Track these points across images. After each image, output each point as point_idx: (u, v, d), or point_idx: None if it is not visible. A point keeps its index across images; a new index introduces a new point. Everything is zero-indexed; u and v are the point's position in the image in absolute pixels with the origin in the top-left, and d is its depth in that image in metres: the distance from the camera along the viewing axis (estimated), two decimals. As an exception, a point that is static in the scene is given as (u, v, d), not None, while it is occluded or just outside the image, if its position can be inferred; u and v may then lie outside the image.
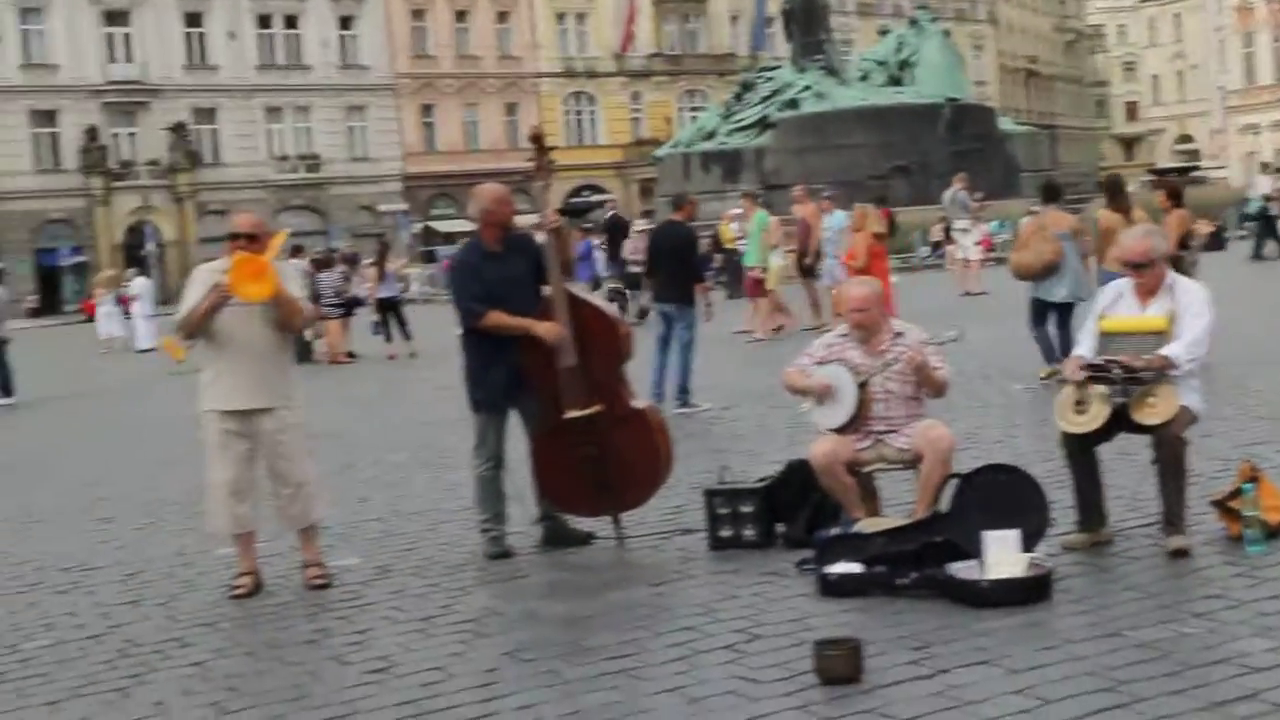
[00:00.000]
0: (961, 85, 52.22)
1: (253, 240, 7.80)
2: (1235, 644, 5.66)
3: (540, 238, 8.44)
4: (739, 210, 25.65)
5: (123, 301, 36.05)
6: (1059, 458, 7.62)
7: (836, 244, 21.39)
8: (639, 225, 29.86)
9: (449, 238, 61.51)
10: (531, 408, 8.38)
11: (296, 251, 26.95)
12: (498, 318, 8.17)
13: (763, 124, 47.19)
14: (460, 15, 73.49)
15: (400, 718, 5.63)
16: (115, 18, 65.06)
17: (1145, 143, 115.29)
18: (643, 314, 22.19)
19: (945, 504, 7.33)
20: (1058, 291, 13.81)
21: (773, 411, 12.85)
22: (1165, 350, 7.07)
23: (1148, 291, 7.35)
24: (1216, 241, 36.10)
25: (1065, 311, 13.81)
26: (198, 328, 7.87)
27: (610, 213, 31.63)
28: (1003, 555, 6.59)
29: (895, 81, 49.99)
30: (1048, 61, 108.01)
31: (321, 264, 26.34)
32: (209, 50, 67.39)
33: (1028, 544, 6.73)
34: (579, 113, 77.40)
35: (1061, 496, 7.52)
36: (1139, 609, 6.23)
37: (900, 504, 8.00)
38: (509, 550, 8.32)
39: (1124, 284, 7.51)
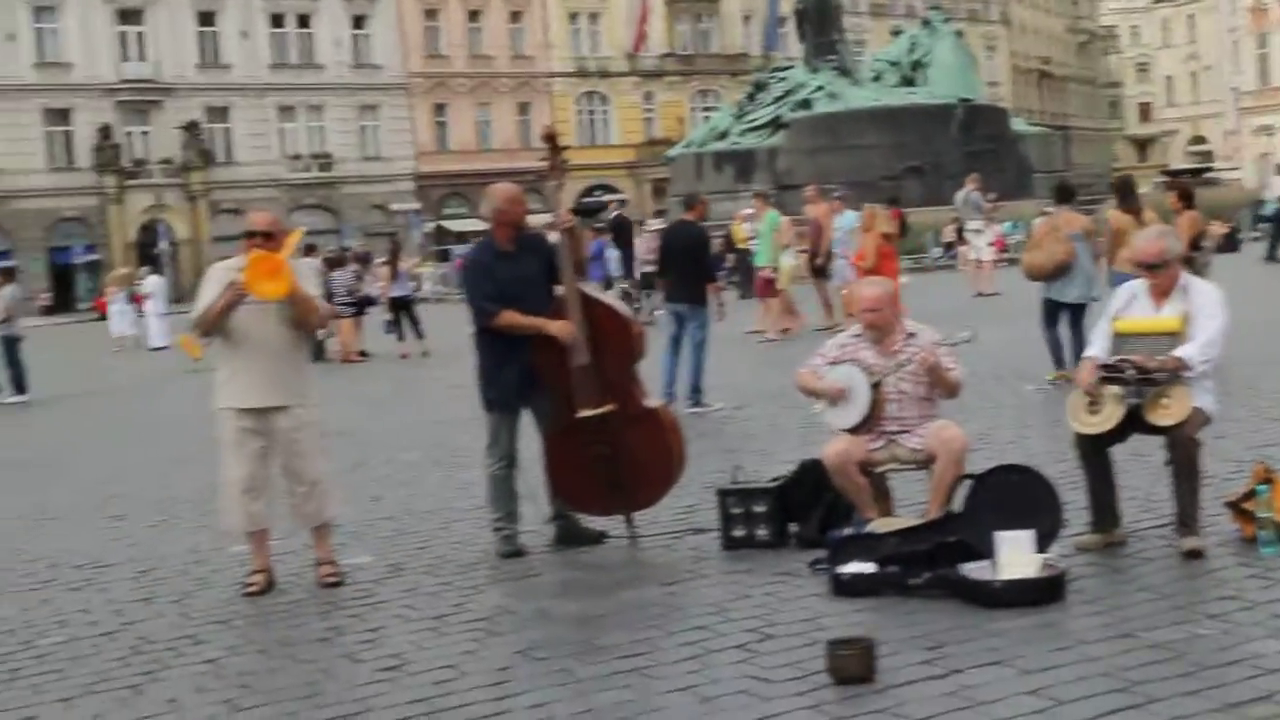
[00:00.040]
0: (974, 86, 52.19)
1: (268, 238, 7.80)
2: (1249, 645, 5.65)
3: (553, 237, 8.44)
4: (751, 210, 25.66)
5: (137, 300, 36.10)
6: (1072, 458, 7.61)
7: (846, 244, 21.38)
8: (652, 225, 29.85)
9: (461, 237, 61.59)
10: (544, 407, 8.38)
11: (309, 250, 26.95)
12: (510, 317, 8.18)
13: (775, 124, 47.20)
14: (473, 15, 73.53)
15: (413, 715, 5.63)
16: (129, 16, 65.17)
17: (1159, 144, 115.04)
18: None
19: (958, 504, 7.33)
20: (1070, 292, 13.80)
21: (785, 411, 12.84)
22: (1179, 351, 7.05)
23: (1161, 293, 7.34)
24: (1230, 243, 36.05)
25: (1078, 312, 13.80)
26: (214, 325, 7.87)
27: (614, 213, 31.63)
28: (1016, 556, 6.58)
29: (908, 82, 49.98)
30: (1061, 62, 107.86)
31: (334, 263, 26.39)
32: (222, 49, 67.50)
33: (1041, 545, 6.72)
34: (591, 112, 77.39)
35: (1075, 497, 7.51)
36: (1153, 610, 6.22)
37: (913, 504, 7.99)
38: (521, 549, 8.33)
39: (1138, 285, 7.50)
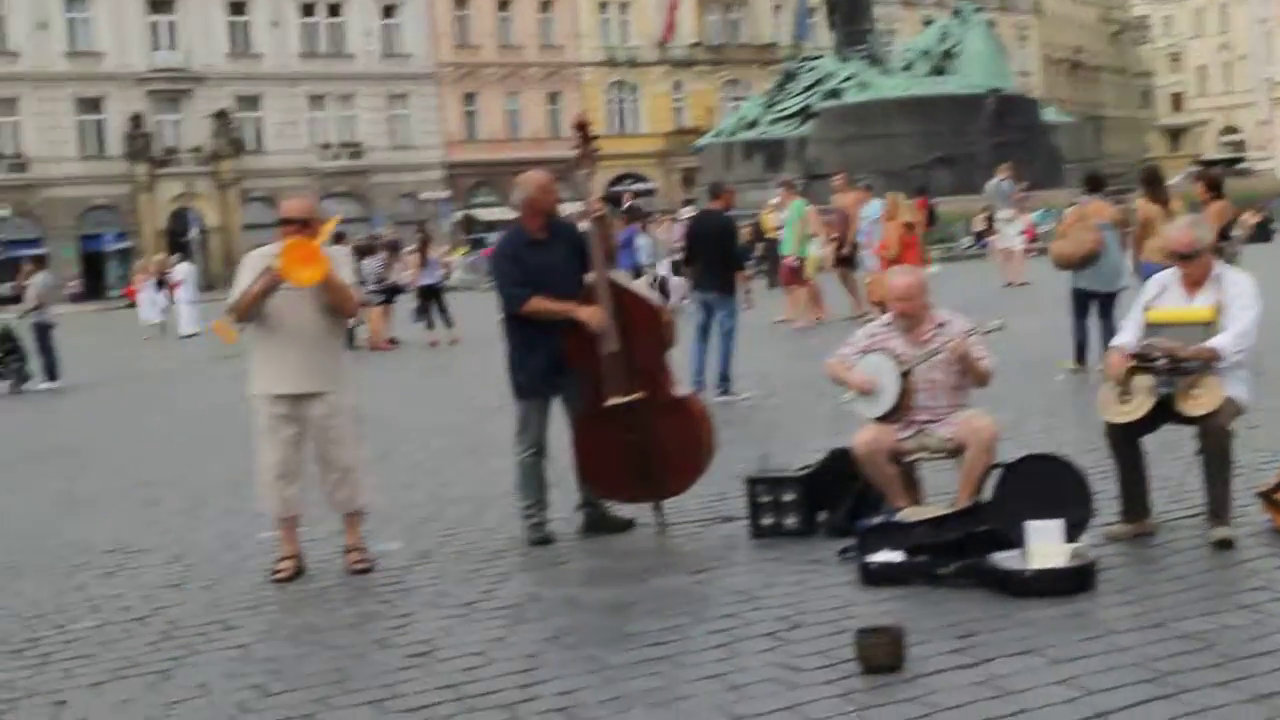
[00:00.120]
0: (1005, 75, 52.01)
1: (304, 225, 7.81)
2: (1280, 636, 5.63)
3: (583, 225, 8.44)
4: (778, 199, 25.61)
5: (170, 287, 36.18)
6: (1102, 448, 7.58)
7: (871, 234, 21.32)
8: (683, 214, 29.82)
9: (490, 226, 61.69)
10: (573, 394, 8.38)
11: (338, 239, 27.00)
12: (540, 303, 8.18)
13: (805, 113, 47.17)
14: (503, 4, 73.55)
15: (441, 701, 5.64)
16: (160, 5, 65.31)
17: (1191, 134, 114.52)
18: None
19: (988, 494, 7.31)
20: (1099, 281, 13.76)
21: (814, 400, 12.82)
22: (1212, 342, 7.02)
23: (1194, 283, 7.30)
24: (1263, 233, 35.87)
25: (1107, 301, 13.76)
26: (249, 311, 7.88)
27: (628, 204, 31.66)
28: (1046, 545, 6.56)
29: (939, 71, 49.86)
30: (1092, 52, 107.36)
31: (364, 251, 26.42)
32: (252, 38, 67.68)
33: (1071, 534, 6.69)
34: (621, 102, 77.34)
35: (1105, 487, 7.49)
36: (1183, 600, 6.20)
37: (943, 493, 7.97)
38: (550, 536, 8.33)
39: (1169, 275, 7.46)
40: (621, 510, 8.54)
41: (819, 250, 22.37)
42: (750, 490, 8.09)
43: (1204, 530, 7.15)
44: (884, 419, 7.73)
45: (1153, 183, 14.26)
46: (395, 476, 10.90)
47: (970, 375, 7.73)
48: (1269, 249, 32.24)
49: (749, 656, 5.87)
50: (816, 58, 53.26)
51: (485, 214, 66.98)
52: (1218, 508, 7.08)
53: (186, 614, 7.37)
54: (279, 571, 7.93)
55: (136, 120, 64.00)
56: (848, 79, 48.05)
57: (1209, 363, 7.00)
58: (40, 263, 25.97)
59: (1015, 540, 6.67)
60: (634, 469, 8.22)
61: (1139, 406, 7.12)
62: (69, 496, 11.73)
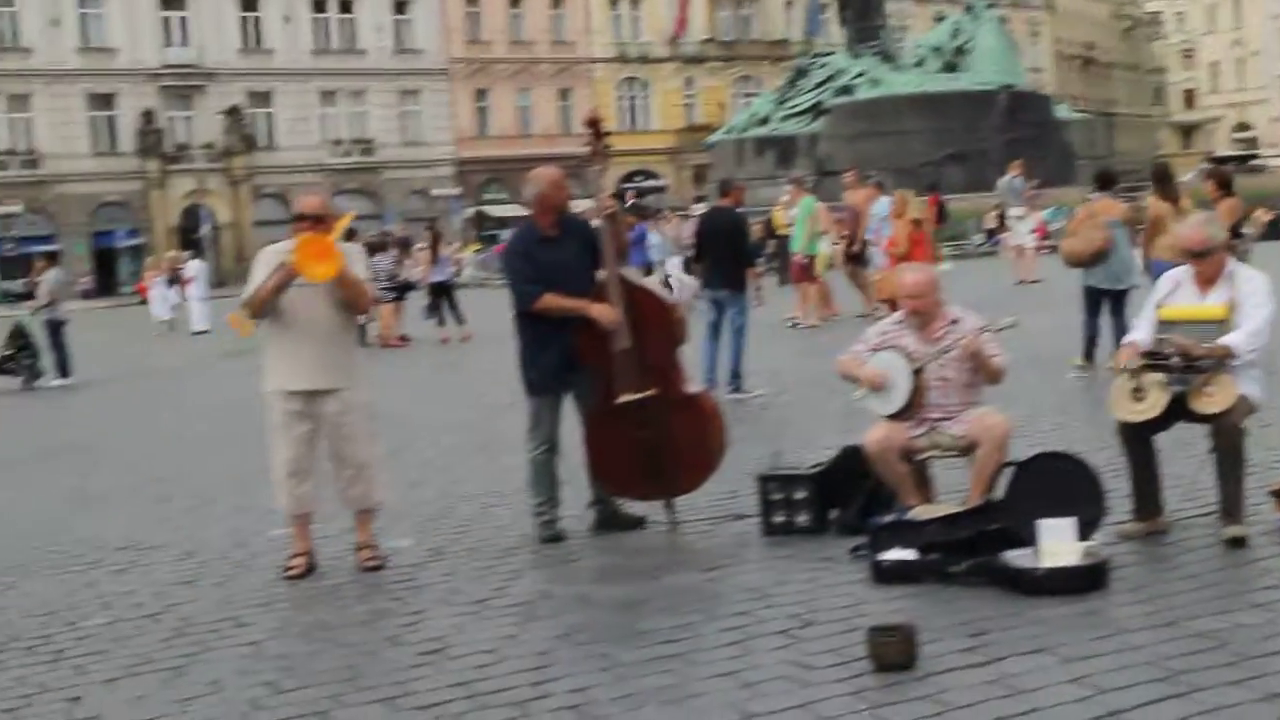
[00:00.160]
0: (1017, 72, 51.93)
1: (318, 221, 7.82)
2: (1293, 635, 5.61)
3: (595, 222, 8.44)
4: (788, 196, 25.58)
5: (182, 284, 36.22)
6: (1114, 446, 7.57)
7: (880, 231, 21.28)
8: (695, 210, 29.84)
9: (501, 222, 61.68)
10: (585, 391, 8.38)
11: (349, 236, 27.01)
12: (552, 299, 8.17)
13: (816, 110, 47.14)
14: (514, 1, 73.55)
15: (453, 699, 5.65)
16: (172, 2, 65.35)
17: (1203, 130, 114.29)
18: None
19: (1000, 492, 7.30)
20: (1109, 279, 13.74)
21: (825, 397, 12.80)
22: (1225, 340, 7.01)
23: (1207, 280, 7.29)
24: (1275, 230, 35.72)
25: (1119, 298, 13.74)
26: (263, 306, 7.89)
27: (630, 202, 31.68)
28: (1058, 543, 6.55)
29: (950, 68, 49.77)
30: (1105, 48, 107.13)
31: (375, 248, 26.42)
32: (264, 34, 67.73)
33: (1083, 532, 6.68)
34: (632, 98, 77.32)
35: (1117, 485, 7.47)
36: (1196, 598, 6.19)
37: (955, 491, 7.96)
38: (562, 534, 8.33)
39: (1181, 272, 7.44)
40: (633, 508, 8.53)
41: (829, 247, 22.34)
42: (762, 488, 8.09)
43: (1216, 528, 7.14)
44: (896, 416, 7.72)
45: (1163, 180, 14.24)
46: (406, 473, 10.90)
47: (982, 373, 7.72)
48: (1281, 246, 32.10)
49: (761, 654, 5.87)
50: (828, 54, 53.22)
51: (496, 210, 66.93)
52: (1230, 506, 7.06)
53: (199, 611, 7.38)
54: (291, 568, 7.94)
55: (148, 116, 64.12)
56: (859, 75, 48.00)
57: (1222, 360, 6.99)
58: (52, 259, 26.00)
59: (1027, 538, 6.66)
60: (645, 466, 8.22)
61: (1153, 405, 7.11)
62: (81, 493, 11.76)
